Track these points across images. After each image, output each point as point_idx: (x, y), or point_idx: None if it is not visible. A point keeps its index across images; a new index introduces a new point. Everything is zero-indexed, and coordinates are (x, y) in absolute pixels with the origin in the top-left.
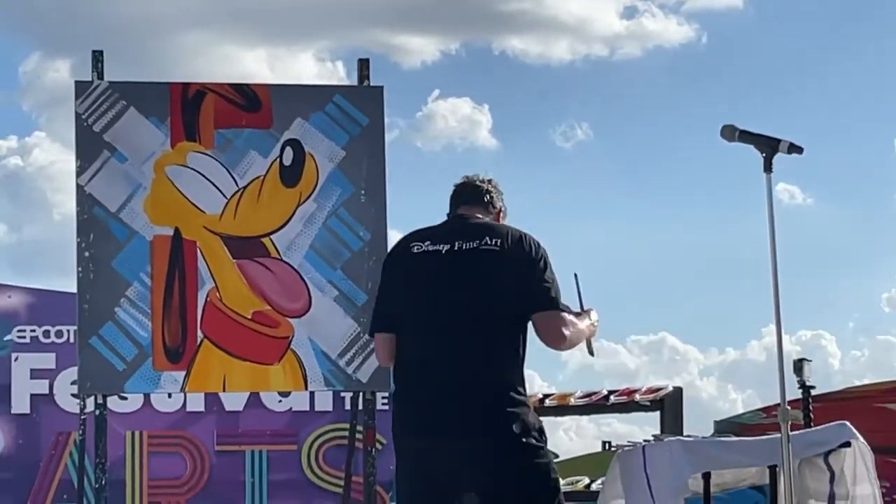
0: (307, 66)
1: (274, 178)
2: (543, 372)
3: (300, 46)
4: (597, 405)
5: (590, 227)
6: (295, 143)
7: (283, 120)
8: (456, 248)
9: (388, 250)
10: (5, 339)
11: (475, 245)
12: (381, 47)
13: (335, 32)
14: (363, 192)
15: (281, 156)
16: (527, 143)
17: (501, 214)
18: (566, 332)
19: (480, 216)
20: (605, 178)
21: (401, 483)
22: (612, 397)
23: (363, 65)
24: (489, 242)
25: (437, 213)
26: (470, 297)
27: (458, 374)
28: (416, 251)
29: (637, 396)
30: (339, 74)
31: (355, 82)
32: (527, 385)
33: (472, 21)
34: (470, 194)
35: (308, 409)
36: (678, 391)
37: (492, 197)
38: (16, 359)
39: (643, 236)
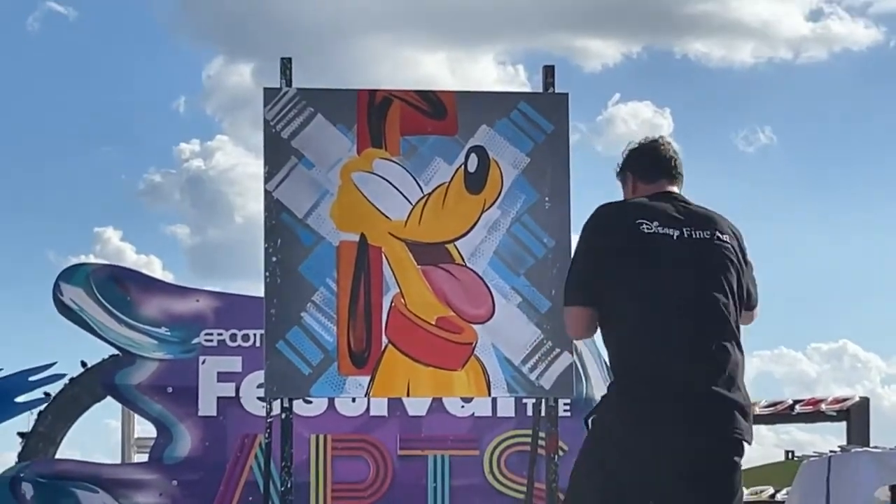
0: (488, 69)
1: (458, 185)
2: None
3: (481, 49)
4: (781, 415)
5: (771, 231)
6: (480, 150)
7: (469, 127)
8: (686, 236)
9: (598, 217)
10: (193, 342)
11: (707, 236)
12: (563, 50)
13: (516, 35)
14: (547, 198)
15: (466, 162)
16: (709, 147)
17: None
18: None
19: (684, 196)
20: (788, 183)
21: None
22: (797, 407)
23: (548, 71)
24: (721, 237)
25: None
26: (715, 294)
27: (711, 387)
28: (646, 231)
29: (822, 406)
30: (520, 78)
31: (536, 86)
32: None
33: (654, 24)
34: (672, 165)
35: (490, 414)
36: (865, 401)
37: (681, 170)
38: (203, 362)
39: (825, 241)
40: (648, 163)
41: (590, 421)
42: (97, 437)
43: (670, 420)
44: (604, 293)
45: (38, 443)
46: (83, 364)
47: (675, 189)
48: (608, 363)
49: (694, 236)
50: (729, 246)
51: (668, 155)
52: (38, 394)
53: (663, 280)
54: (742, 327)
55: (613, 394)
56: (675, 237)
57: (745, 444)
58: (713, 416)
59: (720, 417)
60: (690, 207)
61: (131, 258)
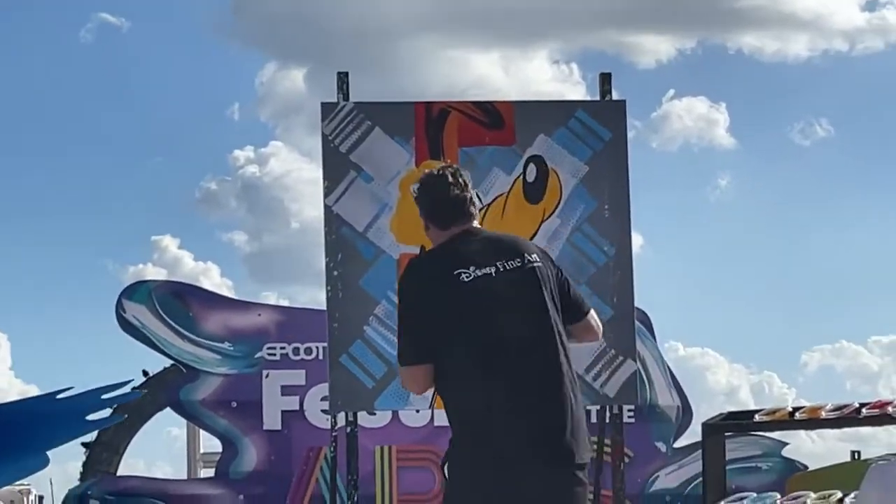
0: (542, 68)
1: (518, 195)
2: (783, 374)
3: (534, 48)
4: (848, 419)
5: (829, 223)
6: (538, 160)
7: (526, 136)
8: (503, 269)
9: (415, 275)
10: (256, 356)
11: (520, 263)
12: (616, 47)
13: (568, 33)
14: (607, 206)
15: (524, 172)
16: (765, 140)
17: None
18: (600, 329)
19: (480, 226)
20: (846, 175)
21: None
22: (863, 410)
23: (605, 79)
24: (530, 259)
25: (675, 215)
26: (545, 320)
27: (530, 414)
28: (466, 280)
29: (889, 409)
30: (574, 77)
31: (591, 84)
32: (765, 387)
33: (707, 19)
34: (458, 205)
35: None
36: None
37: (475, 205)
38: (266, 376)
39: (884, 233)
40: (434, 208)
41: (445, 468)
42: (160, 446)
43: (505, 466)
44: (435, 348)
45: (102, 452)
46: (145, 373)
47: (472, 225)
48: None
49: (508, 267)
50: (541, 264)
51: (453, 195)
52: (108, 411)
53: (497, 322)
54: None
55: (451, 445)
56: (493, 274)
57: (585, 467)
58: (545, 456)
59: (553, 455)
60: (493, 238)
61: (189, 266)
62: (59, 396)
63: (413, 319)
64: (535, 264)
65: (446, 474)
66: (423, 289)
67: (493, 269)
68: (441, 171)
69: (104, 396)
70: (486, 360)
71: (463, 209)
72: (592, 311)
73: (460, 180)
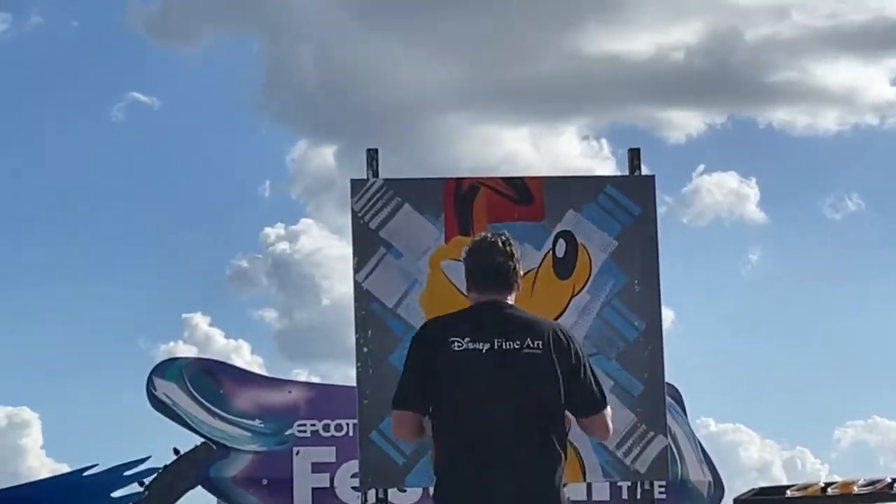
0: (571, 143)
1: (547, 271)
2: (815, 449)
3: (563, 123)
4: (880, 493)
5: (861, 298)
6: (567, 235)
7: (556, 212)
8: (496, 348)
9: (422, 333)
10: (286, 433)
11: (517, 346)
12: (646, 121)
13: (598, 108)
14: (637, 281)
15: (554, 248)
16: (796, 215)
17: (520, 286)
18: (610, 427)
19: (511, 300)
20: (878, 249)
21: None
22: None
23: (633, 154)
24: (531, 345)
25: (706, 291)
26: (518, 407)
27: (510, 489)
28: (457, 349)
29: None
30: (603, 153)
31: (620, 159)
32: (797, 463)
33: (737, 93)
34: (498, 274)
35: (585, 499)
36: None
37: (517, 275)
38: (297, 453)
39: None
40: (475, 271)
41: None
42: None
43: None
44: (425, 402)
45: None
46: (176, 451)
47: (500, 297)
48: None
49: (504, 348)
50: (541, 355)
51: (491, 264)
52: (134, 486)
53: (470, 398)
54: (590, 431)
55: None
56: (484, 351)
57: None
58: None
59: None
60: (507, 316)
61: (220, 343)
62: (85, 474)
63: (409, 371)
64: (534, 351)
65: None
66: (421, 347)
67: (485, 346)
68: (491, 238)
69: (126, 473)
70: (460, 431)
71: (499, 279)
72: (607, 410)
73: (508, 249)
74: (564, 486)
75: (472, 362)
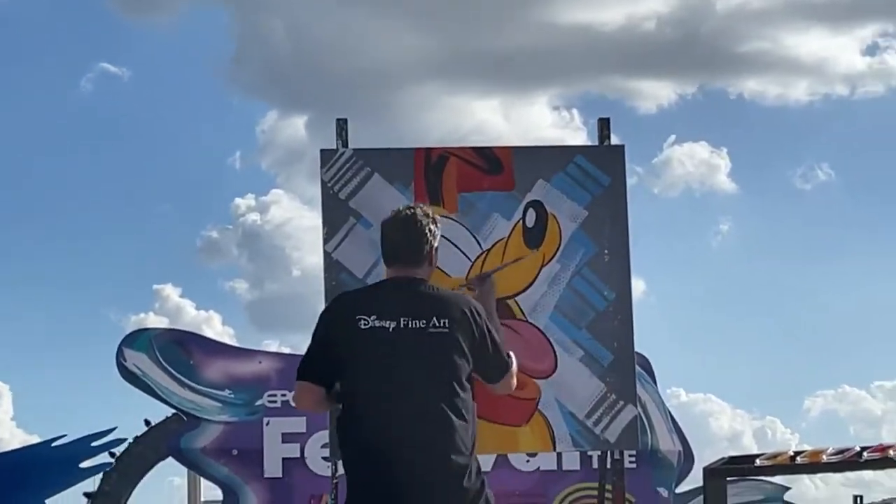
0: (542, 113)
1: (517, 240)
2: (785, 419)
3: (534, 94)
4: (850, 462)
5: (830, 268)
6: (537, 205)
7: (525, 182)
8: (402, 326)
9: (331, 308)
10: (257, 404)
11: (423, 325)
12: (617, 92)
13: (569, 78)
14: (606, 251)
15: (524, 217)
16: (766, 185)
17: (435, 259)
18: (514, 383)
19: (422, 275)
20: (847, 219)
21: None
22: (865, 454)
23: (603, 124)
24: (437, 324)
25: (677, 261)
26: (423, 383)
27: (417, 466)
28: (363, 326)
29: (891, 452)
30: (575, 122)
31: (592, 130)
32: (767, 433)
33: (708, 63)
34: (407, 248)
35: (556, 468)
36: None
37: (431, 248)
38: (267, 423)
39: (886, 277)
40: (384, 245)
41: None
42: (162, 496)
43: None
44: (329, 378)
45: (104, 503)
46: (147, 423)
47: (408, 272)
48: None
49: (410, 326)
50: (446, 332)
51: (400, 238)
52: (103, 457)
53: (377, 375)
54: (496, 394)
55: (347, 484)
56: (390, 329)
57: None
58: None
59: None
60: (414, 292)
61: (191, 314)
62: (54, 444)
63: (315, 346)
64: (441, 330)
65: None
66: (329, 323)
67: (391, 324)
68: (402, 212)
69: (94, 444)
70: (370, 408)
71: (407, 253)
72: (512, 369)
73: (421, 223)
74: (470, 453)
75: (377, 340)
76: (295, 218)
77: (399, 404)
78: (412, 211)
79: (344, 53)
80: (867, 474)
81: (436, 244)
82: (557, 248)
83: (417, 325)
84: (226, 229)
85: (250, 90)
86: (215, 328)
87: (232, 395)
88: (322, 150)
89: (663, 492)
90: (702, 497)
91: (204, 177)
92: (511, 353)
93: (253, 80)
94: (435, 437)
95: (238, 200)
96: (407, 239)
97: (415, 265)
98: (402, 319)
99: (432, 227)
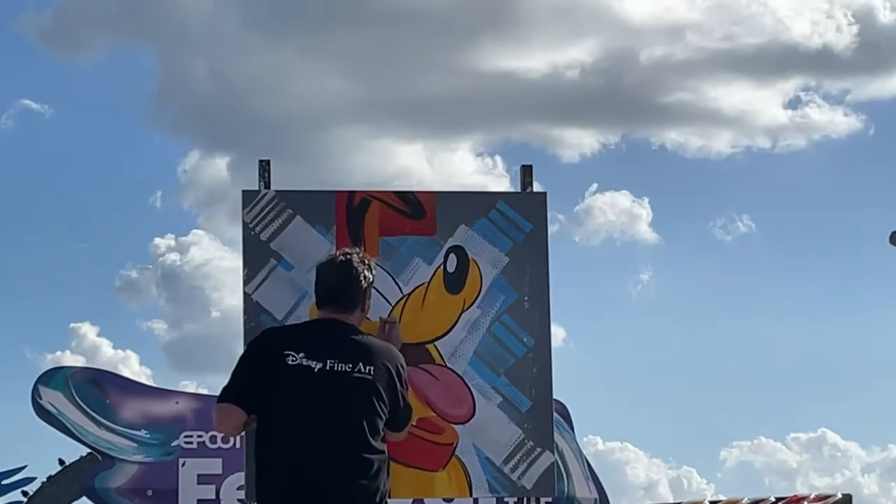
0: (466, 159)
1: (438, 285)
2: (701, 469)
3: (458, 139)
4: None
5: (751, 320)
6: (459, 250)
7: (447, 227)
8: (328, 369)
9: (260, 339)
10: (173, 444)
11: (349, 369)
12: (540, 140)
13: (492, 125)
14: (527, 297)
15: (445, 263)
16: (687, 235)
17: (368, 306)
18: (403, 437)
19: (352, 321)
20: (767, 272)
21: None
22: None
23: (526, 171)
24: (362, 370)
25: (597, 309)
26: (342, 425)
27: (327, 499)
28: (290, 363)
29: None
30: (498, 169)
31: (514, 177)
32: (683, 482)
33: (631, 113)
34: (340, 293)
35: None
36: (847, 499)
37: (365, 294)
38: (183, 464)
39: (805, 331)
40: (318, 287)
41: None
42: None
43: None
44: (252, 404)
45: None
46: (61, 462)
47: (340, 316)
48: None
49: (335, 370)
50: (369, 379)
51: (333, 283)
52: (14, 496)
53: (296, 413)
54: (388, 441)
55: None
56: (315, 370)
57: None
58: None
59: None
60: (343, 337)
61: (108, 354)
62: None
63: (241, 370)
64: (364, 377)
65: None
66: (257, 353)
67: (318, 364)
68: (338, 257)
69: (4, 482)
70: (284, 442)
71: (340, 298)
72: (405, 430)
73: (356, 269)
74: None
75: (302, 378)
76: (215, 259)
77: (314, 444)
78: (348, 256)
79: (268, 95)
80: None
81: (369, 292)
82: (478, 294)
83: (343, 369)
84: (145, 269)
85: (172, 129)
86: (132, 368)
87: (148, 436)
88: (244, 191)
89: None
90: None
91: (124, 215)
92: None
93: (175, 119)
94: (347, 481)
95: (158, 240)
96: (341, 284)
97: (347, 310)
98: (328, 361)
99: (367, 273)
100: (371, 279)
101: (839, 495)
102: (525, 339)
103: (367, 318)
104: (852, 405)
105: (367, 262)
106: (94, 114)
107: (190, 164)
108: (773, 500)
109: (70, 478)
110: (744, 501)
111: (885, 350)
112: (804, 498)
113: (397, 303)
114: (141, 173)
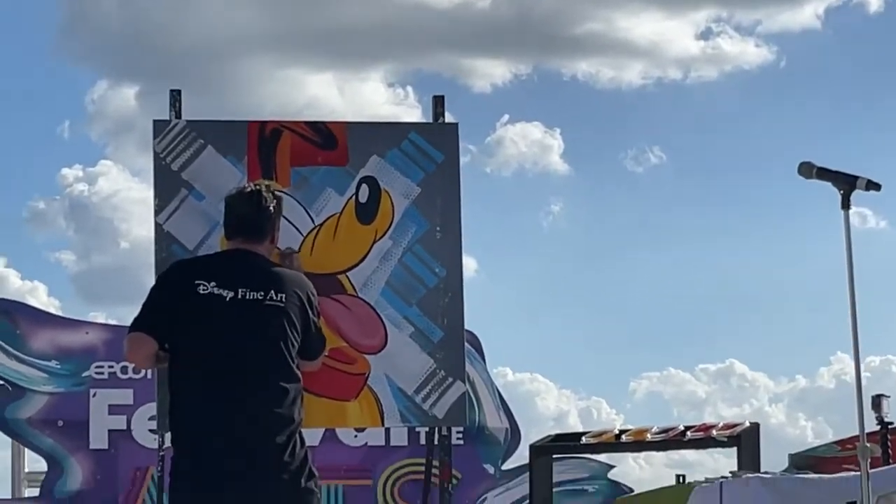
0: (377, 90)
1: (350, 216)
2: (611, 400)
3: (369, 70)
4: (673, 441)
5: (661, 252)
6: (371, 181)
7: (359, 157)
8: (240, 297)
9: (170, 271)
10: (83, 375)
11: (260, 297)
12: (451, 70)
13: (404, 55)
14: (438, 228)
15: (357, 193)
16: (599, 167)
17: (277, 238)
18: (317, 366)
19: (262, 250)
20: (677, 204)
21: None
22: (688, 433)
23: (438, 101)
24: (274, 297)
25: (508, 240)
26: (254, 352)
27: (244, 432)
28: (202, 292)
29: (714, 432)
30: (409, 100)
31: (426, 107)
32: (593, 413)
33: (543, 44)
34: (249, 224)
35: (384, 444)
36: (755, 427)
37: (274, 224)
38: (94, 395)
39: (713, 263)
40: (227, 218)
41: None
42: None
43: (213, 480)
44: (164, 336)
45: None
46: None
47: (249, 247)
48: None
49: (247, 298)
50: (281, 306)
51: (243, 213)
52: None
53: (209, 341)
54: (302, 371)
55: (173, 461)
56: (227, 298)
57: (301, 484)
58: (255, 471)
59: (262, 472)
60: (254, 265)
61: (16, 284)
62: None
63: (153, 301)
64: (276, 304)
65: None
66: (168, 285)
67: (229, 293)
68: (247, 188)
69: None
70: (197, 370)
71: (249, 229)
72: (319, 359)
73: (262, 202)
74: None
75: (214, 307)
76: (123, 189)
77: (228, 372)
78: (258, 187)
79: (177, 24)
80: (690, 456)
81: (278, 223)
82: (390, 225)
83: (254, 297)
84: (53, 200)
85: (79, 59)
86: (40, 299)
87: (58, 366)
88: (155, 121)
89: (490, 468)
90: (528, 474)
91: (30, 146)
92: (323, 345)
93: (82, 49)
94: (261, 408)
95: (66, 171)
96: (251, 215)
97: (257, 241)
98: (239, 290)
99: (276, 204)
100: (280, 210)
101: (747, 423)
102: (437, 270)
103: (278, 248)
104: (760, 336)
105: (276, 193)
106: None
107: (98, 93)
108: (681, 428)
109: None
110: (652, 430)
111: (793, 282)
112: (712, 426)
113: (309, 233)
114: (47, 103)
